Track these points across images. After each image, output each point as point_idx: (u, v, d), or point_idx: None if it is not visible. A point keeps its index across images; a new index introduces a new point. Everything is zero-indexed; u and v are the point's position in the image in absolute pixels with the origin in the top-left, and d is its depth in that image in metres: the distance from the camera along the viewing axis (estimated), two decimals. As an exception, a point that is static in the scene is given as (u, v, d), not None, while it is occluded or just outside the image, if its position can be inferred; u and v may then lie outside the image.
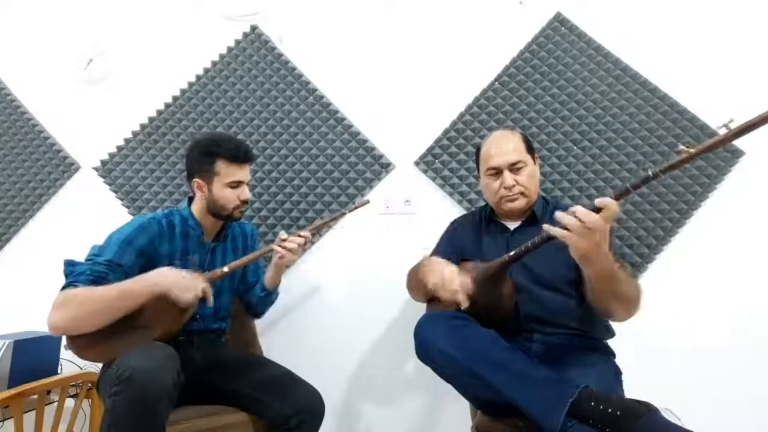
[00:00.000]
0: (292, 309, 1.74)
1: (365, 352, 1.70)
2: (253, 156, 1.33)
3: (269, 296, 1.46)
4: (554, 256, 1.15)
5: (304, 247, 1.34)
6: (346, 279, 1.74)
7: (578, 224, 0.86)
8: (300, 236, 1.30)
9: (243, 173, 1.29)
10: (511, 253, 1.06)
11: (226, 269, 1.23)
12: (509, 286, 1.11)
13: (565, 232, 0.87)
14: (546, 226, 0.91)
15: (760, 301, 1.49)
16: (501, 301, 1.11)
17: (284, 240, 1.29)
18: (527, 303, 1.15)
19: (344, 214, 1.41)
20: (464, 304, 1.02)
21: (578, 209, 0.86)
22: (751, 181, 1.55)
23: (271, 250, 1.30)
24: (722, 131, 0.77)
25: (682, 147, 0.82)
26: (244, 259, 1.27)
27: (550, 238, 0.95)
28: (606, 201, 0.86)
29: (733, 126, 0.76)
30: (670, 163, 0.84)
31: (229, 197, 1.27)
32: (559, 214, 0.89)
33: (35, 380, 1.32)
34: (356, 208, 1.43)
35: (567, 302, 1.14)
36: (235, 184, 1.27)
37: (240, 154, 1.27)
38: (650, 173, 0.85)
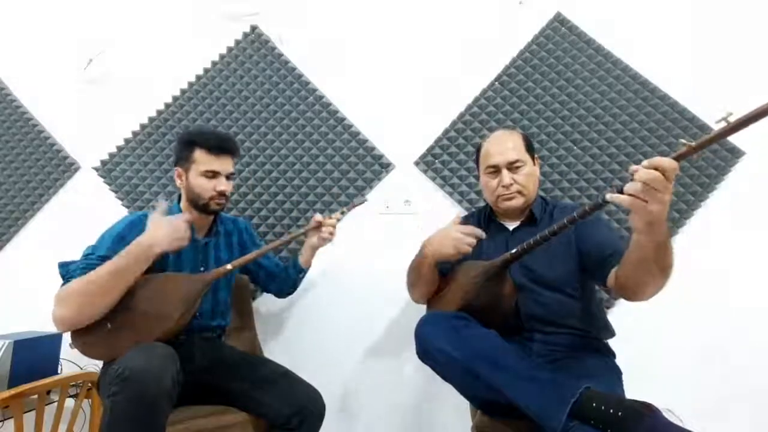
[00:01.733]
0: (292, 309, 1.74)
1: (365, 352, 1.70)
2: (233, 149, 1.33)
3: (304, 274, 1.52)
4: (555, 256, 1.16)
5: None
6: (347, 279, 1.74)
7: (661, 179, 0.76)
8: (334, 218, 1.42)
9: (220, 164, 1.29)
10: (513, 251, 1.07)
11: (230, 267, 1.23)
12: (510, 286, 1.11)
13: (635, 197, 0.77)
14: (610, 196, 0.81)
15: (761, 300, 1.49)
16: (501, 300, 1.11)
17: (320, 223, 1.39)
18: (528, 303, 1.15)
19: (344, 213, 1.44)
20: (482, 235, 1.10)
21: (656, 160, 0.75)
22: (751, 181, 1.55)
23: (287, 241, 1.40)
24: (721, 125, 0.75)
25: (683, 141, 0.79)
26: (253, 254, 1.29)
27: (563, 226, 0.96)
28: (661, 161, 0.75)
29: (732, 119, 0.74)
30: (672, 157, 0.79)
31: (204, 186, 1.27)
32: (633, 168, 0.78)
33: (35, 380, 1.31)
34: (354, 206, 1.46)
35: (568, 302, 1.14)
36: (211, 174, 1.27)
37: (218, 145, 1.28)
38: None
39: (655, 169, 0.76)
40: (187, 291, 1.14)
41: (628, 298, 1.04)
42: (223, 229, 1.41)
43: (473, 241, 1.10)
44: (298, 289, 1.60)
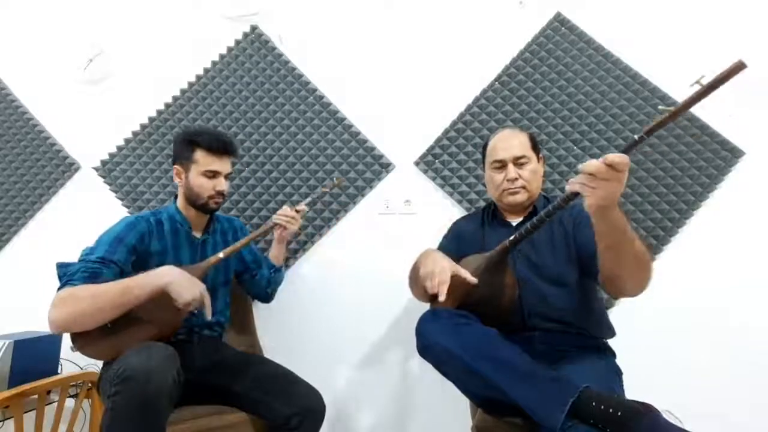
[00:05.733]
0: (292, 309, 1.74)
1: (365, 352, 1.70)
2: (233, 150, 1.34)
3: (278, 273, 1.53)
4: (557, 250, 1.17)
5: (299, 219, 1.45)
6: (347, 279, 1.74)
7: (604, 169, 0.83)
8: (296, 210, 1.43)
9: (220, 164, 1.30)
10: (511, 238, 1.08)
11: (221, 255, 1.25)
12: (510, 276, 1.12)
13: (587, 184, 0.85)
14: (570, 184, 0.89)
15: (761, 301, 1.49)
16: (503, 291, 1.11)
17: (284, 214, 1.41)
18: (531, 297, 1.15)
19: (325, 193, 1.56)
20: (441, 298, 1.01)
21: (609, 156, 0.84)
22: (751, 181, 1.55)
23: (267, 230, 1.43)
24: (695, 88, 0.80)
25: (661, 107, 0.84)
26: (240, 242, 1.31)
27: (552, 212, 0.98)
28: (614, 155, 0.84)
29: (704, 81, 0.79)
30: (652, 125, 0.85)
31: (204, 186, 1.29)
32: (581, 166, 0.86)
33: (35, 380, 1.32)
34: (335, 186, 1.56)
35: (569, 297, 1.14)
36: (211, 174, 1.29)
37: (219, 145, 1.29)
38: (636, 137, 0.86)
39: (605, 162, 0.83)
40: None
41: (616, 294, 1.06)
42: (219, 227, 1.42)
43: (444, 288, 1.02)
44: (299, 288, 1.60)
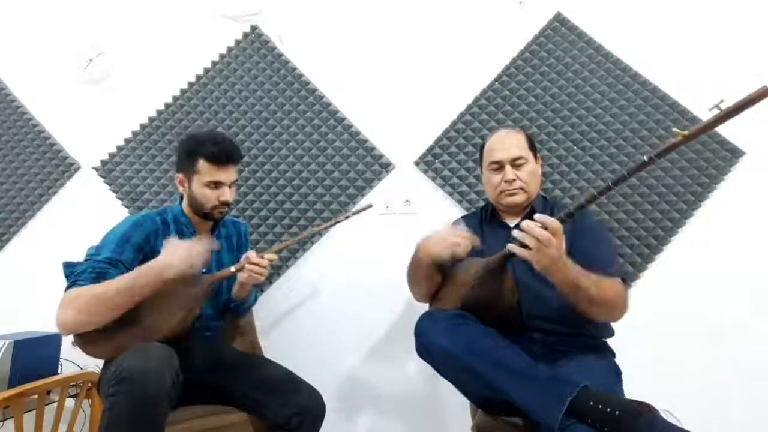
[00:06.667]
0: (292, 309, 1.74)
1: (365, 352, 1.70)
2: (236, 157, 1.28)
3: (237, 306, 1.39)
4: None
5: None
6: (347, 279, 1.74)
7: (534, 241, 0.90)
8: (265, 258, 1.22)
9: (224, 175, 1.26)
10: (509, 246, 1.07)
11: (233, 269, 1.22)
12: (510, 281, 1.12)
13: (524, 251, 0.92)
14: (510, 246, 0.96)
15: (760, 301, 1.49)
16: (503, 295, 1.11)
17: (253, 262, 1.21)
18: (530, 300, 1.15)
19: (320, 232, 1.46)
20: (459, 252, 1.08)
21: (533, 228, 0.91)
22: (751, 181, 1.55)
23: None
24: (714, 112, 0.77)
25: (675, 130, 0.81)
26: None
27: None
28: (547, 220, 0.90)
29: (723, 107, 0.76)
30: (663, 148, 0.84)
31: (207, 196, 1.25)
32: (515, 233, 0.94)
33: (35, 380, 1.32)
34: (327, 227, 1.43)
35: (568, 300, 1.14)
36: (214, 185, 1.25)
37: (221, 156, 1.24)
38: (645, 158, 0.85)
39: (544, 227, 0.90)
40: (192, 291, 1.14)
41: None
42: (225, 231, 1.41)
43: (468, 245, 1.10)
44: (299, 288, 1.59)
